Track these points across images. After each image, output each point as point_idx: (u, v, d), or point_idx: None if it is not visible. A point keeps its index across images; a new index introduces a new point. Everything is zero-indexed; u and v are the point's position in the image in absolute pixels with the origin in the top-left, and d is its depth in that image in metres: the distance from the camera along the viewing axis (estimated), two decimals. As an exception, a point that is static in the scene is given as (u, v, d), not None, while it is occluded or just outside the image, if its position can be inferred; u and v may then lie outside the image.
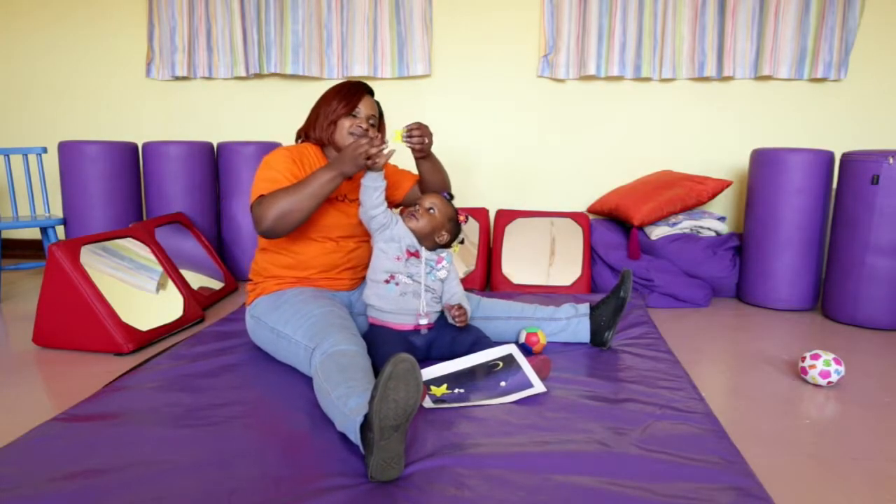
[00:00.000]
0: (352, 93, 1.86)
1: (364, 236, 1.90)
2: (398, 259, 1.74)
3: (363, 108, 1.86)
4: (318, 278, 1.85)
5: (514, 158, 3.33)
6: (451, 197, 1.86)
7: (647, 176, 3.12)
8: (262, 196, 1.70)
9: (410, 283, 1.75)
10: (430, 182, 1.96)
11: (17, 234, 3.65)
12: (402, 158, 2.31)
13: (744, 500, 1.12)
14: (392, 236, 1.75)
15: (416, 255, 1.76)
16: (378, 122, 1.92)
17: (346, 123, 1.84)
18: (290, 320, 1.68)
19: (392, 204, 2.01)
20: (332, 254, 1.85)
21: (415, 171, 2.04)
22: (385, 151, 1.67)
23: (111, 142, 2.93)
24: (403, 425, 1.15)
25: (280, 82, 3.38)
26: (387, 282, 1.74)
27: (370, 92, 1.91)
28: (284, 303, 1.74)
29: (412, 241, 1.76)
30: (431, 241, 1.79)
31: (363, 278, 1.95)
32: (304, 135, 1.94)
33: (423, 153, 1.88)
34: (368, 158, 1.64)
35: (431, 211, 1.78)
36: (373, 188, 1.70)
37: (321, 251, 1.84)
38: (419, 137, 1.82)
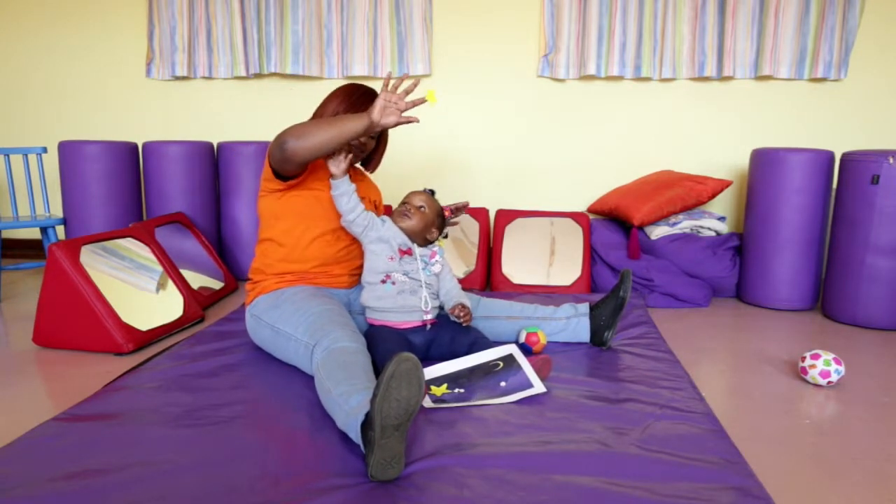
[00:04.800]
0: (360, 102, 1.82)
1: None
2: (391, 259, 1.76)
3: None
4: (317, 273, 1.85)
5: (514, 158, 3.33)
6: (434, 192, 1.89)
7: (647, 176, 3.12)
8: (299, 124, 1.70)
9: (407, 280, 1.75)
10: None
11: (17, 233, 3.65)
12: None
13: (744, 500, 1.12)
14: (381, 237, 1.77)
15: (408, 252, 1.78)
16: (382, 131, 1.89)
17: None
18: (291, 318, 1.68)
19: None
20: (329, 247, 1.84)
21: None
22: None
23: (111, 142, 2.93)
24: (405, 424, 1.16)
25: (280, 82, 3.38)
26: (383, 282, 1.75)
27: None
28: (284, 301, 1.75)
29: (403, 239, 1.78)
30: (422, 238, 1.82)
31: (360, 275, 1.95)
32: None
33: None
34: (393, 115, 1.63)
35: (422, 209, 1.80)
36: (339, 195, 1.74)
37: (319, 243, 1.83)
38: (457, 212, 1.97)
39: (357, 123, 1.63)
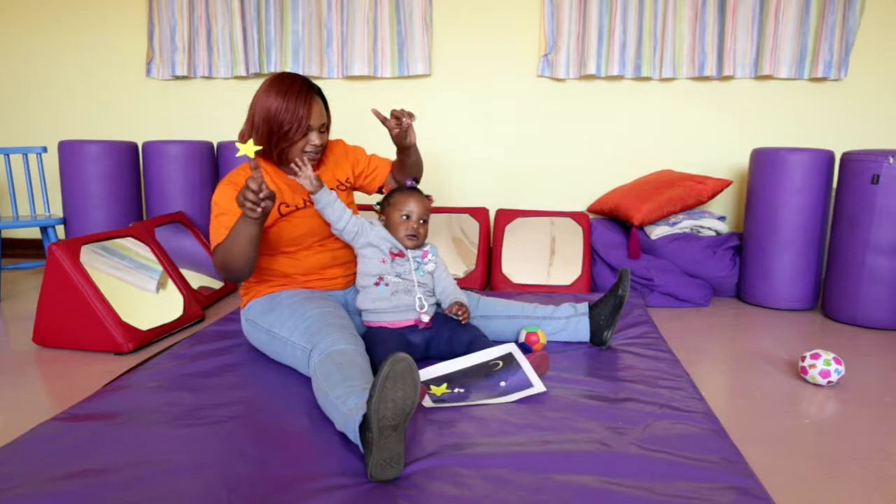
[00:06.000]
0: (303, 112, 1.68)
1: None
2: (383, 262, 1.75)
3: (315, 121, 1.72)
4: (309, 280, 1.84)
5: (514, 158, 3.33)
6: (417, 181, 1.84)
7: (647, 175, 3.12)
8: (215, 247, 1.66)
9: (400, 281, 1.75)
10: (409, 173, 1.89)
11: (17, 233, 3.65)
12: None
13: (744, 500, 1.12)
14: (370, 241, 1.76)
15: (400, 254, 1.77)
16: (326, 124, 1.78)
17: (299, 145, 1.74)
18: (286, 322, 1.68)
19: (372, 192, 2.00)
20: (318, 255, 1.84)
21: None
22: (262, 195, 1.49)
23: (111, 141, 2.93)
24: (402, 424, 1.16)
25: (280, 82, 3.38)
26: (376, 284, 1.75)
27: (317, 92, 1.76)
28: (279, 305, 1.74)
29: (393, 242, 1.77)
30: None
31: (355, 275, 1.95)
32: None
33: (407, 142, 1.79)
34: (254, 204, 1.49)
35: (424, 221, 1.79)
36: (322, 208, 1.71)
37: (308, 254, 1.83)
38: (402, 121, 1.73)
39: (252, 227, 1.54)
